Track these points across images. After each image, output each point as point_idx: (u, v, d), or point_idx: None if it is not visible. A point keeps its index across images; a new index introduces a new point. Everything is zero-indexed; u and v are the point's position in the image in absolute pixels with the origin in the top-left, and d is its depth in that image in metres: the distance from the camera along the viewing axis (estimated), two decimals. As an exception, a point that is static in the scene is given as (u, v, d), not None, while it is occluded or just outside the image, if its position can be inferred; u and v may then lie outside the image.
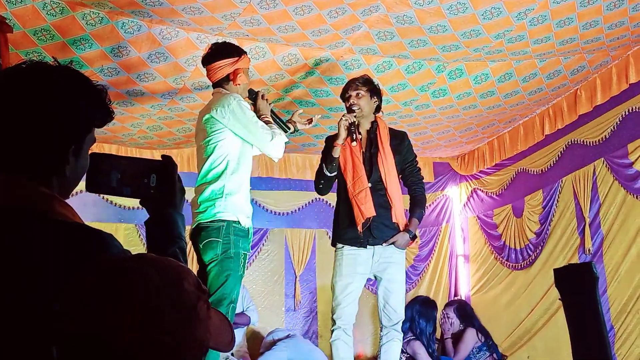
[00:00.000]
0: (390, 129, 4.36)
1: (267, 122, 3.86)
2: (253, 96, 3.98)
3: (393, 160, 4.18)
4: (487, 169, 7.40)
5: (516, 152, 6.79)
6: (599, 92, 5.48)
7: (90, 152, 1.56)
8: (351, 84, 4.26)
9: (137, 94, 5.15)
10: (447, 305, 6.54)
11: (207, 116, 3.71)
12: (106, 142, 6.33)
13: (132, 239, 6.80)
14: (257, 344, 6.83)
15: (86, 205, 6.23)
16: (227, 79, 3.83)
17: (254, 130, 3.71)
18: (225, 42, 4.00)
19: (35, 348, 1.26)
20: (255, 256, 7.30)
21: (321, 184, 4.26)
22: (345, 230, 4.16)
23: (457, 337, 6.30)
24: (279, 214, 7.54)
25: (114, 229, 6.71)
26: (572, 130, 6.07)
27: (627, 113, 5.45)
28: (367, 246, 4.11)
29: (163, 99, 5.32)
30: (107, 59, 4.57)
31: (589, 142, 5.89)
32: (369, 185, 4.12)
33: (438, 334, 6.63)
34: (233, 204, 3.61)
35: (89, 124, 1.52)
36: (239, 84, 3.83)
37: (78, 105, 1.46)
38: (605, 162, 5.66)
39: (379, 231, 4.11)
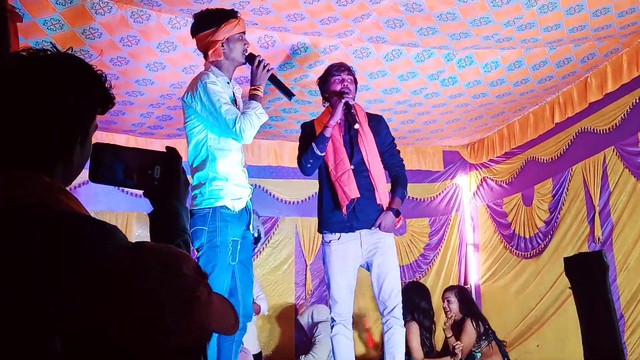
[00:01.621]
0: (367, 113, 4.31)
1: (253, 95, 3.58)
2: (250, 62, 3.64)
3: (374, 141, 4.13)
4: (497, 157, 7.38)
5: (526, 141, 6.77)
6: (609, 80, 5.45)
7: (93, 142, 1.57)
8: (342, 68, 4.17)
9: (147, 84, 5.16)
10: (448, 289, 6.52)
11: (182, 102, 3.55)
12: (116, 131, 6.35)
13: (143, 227, 6.82)
14: (264, 336, 6.88)
15: (97, 194, 6.24)
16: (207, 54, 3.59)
17: (217, 115, 3.44)
18: (207, 9, 3.65)
19: (35, 348, 1.27)
20: (266, 244, 7.32)
21: (310, 163, 4.17)
22: (330, 214, 4.13)
23: (455, 331, 6.29)
24: (290, 202, 7.55)
25: (125, 217, 6.75)
26: (582, 119, 6.05)
27: (637, 101, 5.42)
28: (354, 230, 4.08)
29: (172, 89, 5.32)
30: (117, 48, 4.58)
31: (600, 130, 5.87)
32: (352, 167, 4.07)
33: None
34: (220, 188, 3.47)
35: (92, 111, 1.52)
36: (212, 61, 3.55)
37: (83, 92, 1.46)
38: (615, 150, 5.64)
39: (363, 213, 4.06)
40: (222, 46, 3.54)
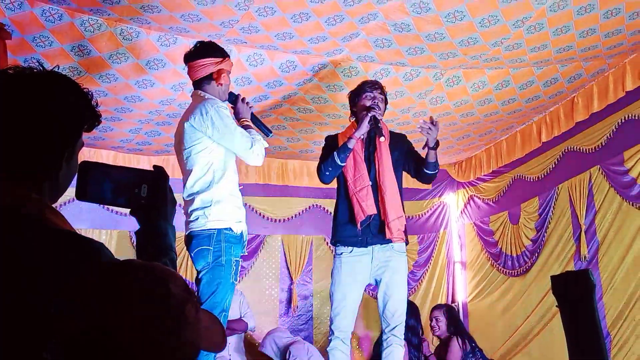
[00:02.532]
0: (390, 131, 4.36)
1: (246, 127, 3.76)
2: (233, 99, 3.86)
3: (390, 159, 4.15)
4: (484, 175, 7.41)
5: (513, 159, 6.80)
6: (595, 100, 5.50)
7: (80, 160, 1.57)
8: (374, 85, 4.26)
9: (136, 100, 5.16)
10: (436, 308, 6.54)
11: (186, 125, 3.60)
12: (104, 147, 6.33)
13: (127, 245, 6.79)
14: (253, 349, 6.83)
15: (81, 211, 6.21)
16: (209, 78, 3.72)
17: (233, 138, 3.60)
18: (211, 42, 3.92)
19: (35, 348, 1.26)
20: (253, 263, 7.30)
21: (329, 170, 4.18)
22: (345, 227, 4.14)
23: (441, 350, 6.30)
24: (276, 220, 7.54)
25: (109, 236, 6.71)
26: (568, 138, 6.09)
27: (623, 120, 5.46)
28: (367, 246, 4.08)
29: (161, 105, 5.32)
30: (106, 65, 4.57)
31: (586, 150, 5.91)
32: (370, 183, 4.09)
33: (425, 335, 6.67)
34: (223, 211, 3.56)
35: (79, 129, 1.52)
36: (221, 84, 3.73)
37: (69, 109, 1.47)
38: (601, 170, 5.67)
39: (378, 229, 4.08)
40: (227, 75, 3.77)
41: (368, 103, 4.17)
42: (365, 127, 4.05)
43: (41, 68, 1.49)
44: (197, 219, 3.56)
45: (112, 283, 1.16)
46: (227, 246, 3.53)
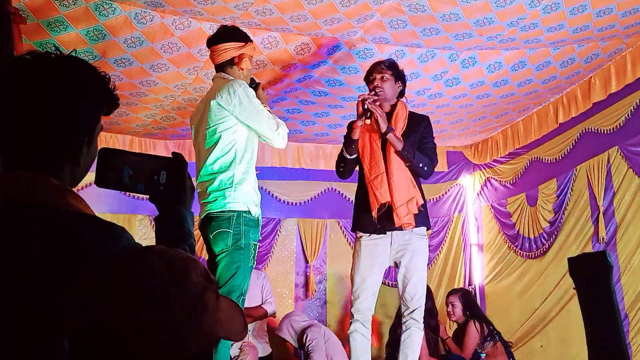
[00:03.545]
0: (412, 113, 4.26)
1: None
2: (254, 86, 3.83)
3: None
4: (501, 157, 7.37)
5: (530, 141, 6.76)
6: (613, 80, 5.44)
7: (100, 147, 1.58)
8: (376, 67, 4.17)
9: (151, 85, 5.17)
10: (452, 292, 6.54)
11: (212, 103, 3.59)
12: (120, 132, 6.36)
13: (145, 230, 6.84)
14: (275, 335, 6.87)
15: (99, 196, 6.24)
16: (231, 63, 3.72)
17: (260, 119, 3.62)
18: (234, 26, 3.93)
19: (35, 348, 1.27)
20: (272, 246, 7.33)
21: (341, 167, 4.19)
22: (363, 215, 4.12)
23: (459, 333, 6.31)
24: (292, 204, 7.56)
25: (127, 220, 6.75)
26: (586, 119, 6.03)
27: (642, 101, 5.41)
28: (385, 232, 4.06)
29: (176, 90, 5.33)
30: (121, 49, 4.59)
31: (604, 131, 5.86)
32: (384, 170, 4.03)
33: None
34: (243, 193, 3.55)
35: (98, 112, 1.53)
36: (242, 69, 3.73)
37: (88, 93, 1.48)
38: (619, 151, 5.63)
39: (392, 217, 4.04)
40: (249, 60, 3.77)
41: (371, 87, 4.14)
42: (360, 117, 4.01)
43: (59, 52, 1.49)
44: (215, 199, 3.53)
45: (126, 270, 1.17)
46: (247, 229, 3.52)
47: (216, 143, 3.59)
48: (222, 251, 3.50)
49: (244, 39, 3.76)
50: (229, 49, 3.71)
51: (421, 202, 4.08)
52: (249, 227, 3.54)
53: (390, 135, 3.99)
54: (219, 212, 3.52)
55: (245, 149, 3.63)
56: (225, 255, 3.49)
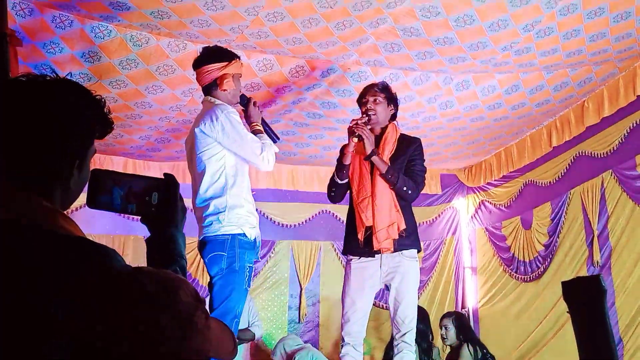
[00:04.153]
0: (404, 135, 4.22)
1: (257, 131, 3.75)
2: (244, 102, 3.82)
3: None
4: (495, 180, 7.39)
5: (524, 164, 6.78)
6: (606, 104, 5.47)
7: (91, 168, 1.57)
8: (369, 89, 4.12)
9: (145, 106, 5.18)
10: (445, 316, 6.52)
11: (197, 130, 3.59)
12: (114, 154, 6.35)
13: (139, 251, 6.80)
14: (263, 356, 6.81)
15: (94, 217, 6.23)
16: (215, 84, 3.68)
17: (244, 144, 3.58)
18: (216, 46, 3.88)
19: (35, 348, 1.26)
20: (263, 268, 7.30)
21: (332, 191, 4.18)
22: (351, 239, 4.11)
23: (453, 357, 6.28)
24: (286, 226, 7.54)
25: (121, 241, 6.72)
26: (579, 142, 6.06)
27: (635, 124, 5.43)
28: (374, 255, 4.05)
29: (171, 111, 5.34)
30: (116, 71, 4.59)
31: (597, 154, 5.88)
32: (370, 194, 4.00)
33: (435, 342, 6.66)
34: (237, 216, 3.54)
35: (91, 136, 1.52)
36: (225, 90, 3.67)
37: (82, 117, 1.47)
38: (613, 174, 5.64)
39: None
40: (232, 79, 3.70)
41: (364, 109, 4.08)
42: (351, 144, 3.97)
43: (54, 75, 1.49)
44: (210, 224, 3.54)
45: (116, 289, 1.16)
46: (241, 252, 3.51)
47: (205, 170, 3.60)
48: (217, 274, 3.49)
49: (227, 58, 3.70)
50: (212, 71, 3.67)
51: (403, 227, 4.01)
52: (244, 249, 3.53)
53: (374, 158, 3.97)
54: (214, 235, 3.53)
55: (235, 174, 3.62)
56: (220, 278, 3.48)
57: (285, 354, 6.31)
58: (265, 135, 3.76)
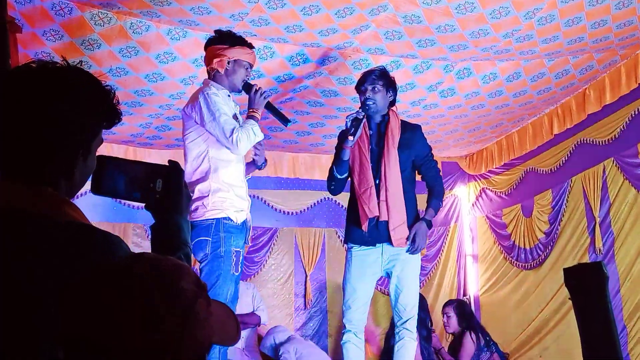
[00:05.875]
0: (404, 122, 4.21)
1: (250, 116, 3.66)
2: (247, 88, 3.77)
3: (397, 158, 4.04)
4: (496, 168, 7.38)
5: (525, 152, 6.77)
6: (607, 92, 5.46)
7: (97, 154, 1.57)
8: (367, 77, 4.10)
9: (146, 94, 5.17)
10: (447, 304, 6.54)
11: (182, 113, 3.61)
12: (115, 142, 6.34)
13: (140, 239, 6.81)
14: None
15: (95, 205, 6.22)
16: (213, 68, 3.70)
17: (215, 124, 3.50)
18: (218, 30, 3.83)
19: (35, 349, 1.26)
20: (268, 256, 7.31)
21: (332, 185, 4.17)
22: (353, 229, 4.11)
23: (455, 345, 6.30)
24: (288, 213, 7.54)
25: (122, 229, 6.73)
26: (581, 130, 6.05)
27: (636, 112, 5.42)
28: (375, 245, 4.05)
29: (171, 99, 5.33)
30: (116, 59, 4.58)
31: (599, 142, 5.87)
32: (376, 182, 4.01)
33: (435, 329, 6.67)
34: (221, 200, 3.51)
35: (97, 126, 1.52)
36: (214, 68, 3.66)
37: (88, 106, 1.46)
38: (615, 162, 5.64)
39: (385, 229, 4.01)
40: (228, 63, 3.67)
41: (362, 98, 4.09)
42: (349, 136, 3.96)
43: (65, 63, 1.48)
44: (196, 209, 3.52)
45: (114, 279, 1.15)
46: (227, 236, 3.48)
47: (189, 153, 3.60)
48: (202, 259, 3.48)
49: (229, 42, 3.70)
50: (211, 52, 3.69)
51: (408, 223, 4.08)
52: (230, 233, 3.51)
53: (430, 219, 4.12)
54: (199, 220, 3.51)
55: (221, 157, 3.59)
56: (206, 264, 3.47)
57: (274, 344, 6.33)
58: (251, 121, 3.64)
